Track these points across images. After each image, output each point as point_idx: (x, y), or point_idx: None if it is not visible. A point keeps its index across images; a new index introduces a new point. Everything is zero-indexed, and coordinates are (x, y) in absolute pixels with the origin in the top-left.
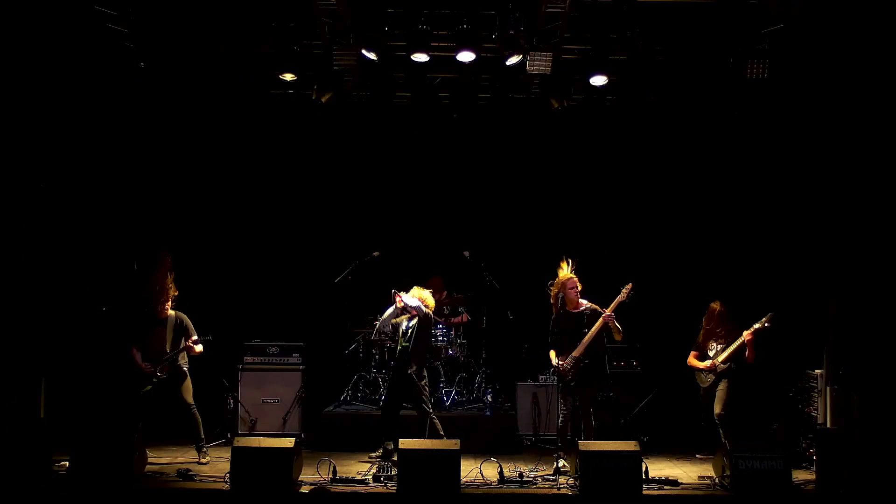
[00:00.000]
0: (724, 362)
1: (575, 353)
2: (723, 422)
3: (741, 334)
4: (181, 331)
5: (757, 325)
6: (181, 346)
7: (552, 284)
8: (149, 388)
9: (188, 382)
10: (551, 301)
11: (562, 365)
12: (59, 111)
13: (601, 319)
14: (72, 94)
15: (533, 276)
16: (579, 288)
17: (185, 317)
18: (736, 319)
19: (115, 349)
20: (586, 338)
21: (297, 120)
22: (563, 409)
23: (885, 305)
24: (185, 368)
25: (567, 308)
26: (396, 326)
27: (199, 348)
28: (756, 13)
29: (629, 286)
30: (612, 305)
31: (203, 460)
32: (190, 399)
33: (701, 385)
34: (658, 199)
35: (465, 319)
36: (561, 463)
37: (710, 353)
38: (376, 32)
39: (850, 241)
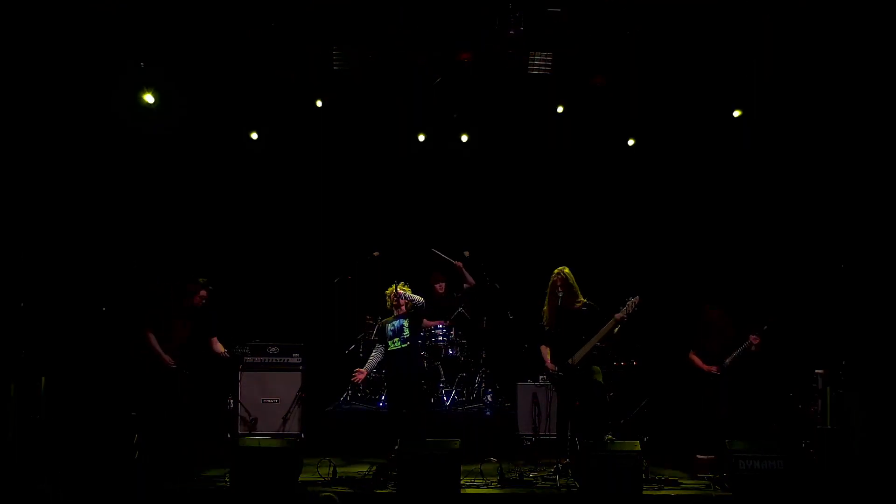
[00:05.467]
0: (728, 364)
1: (571, 361)
2: (727, 420)
3: (742, 338)
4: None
5: (755, 337)
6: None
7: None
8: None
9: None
10: (546, 311)
11: (553, 370)
12: (59, 111)
13: (612, 323)
14: (72, 94)
15: (533, 276)
16: (570, 281)
17: (214, 315)
18: (735, 321)
19: (120, 339)
20: (586, 348)
21: (296, 120)
22: (561, 412)
23: (884, 306)
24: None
25: (564, 305)
26: (382, 330)
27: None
28: (756, 13)
29: (636, 299)
30: (623, 313)
31: None
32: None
33: (702, 383)
34: (657, 199)
35: (471, 283)
36: (561, 462)
37: (710, 354)
38: (376, 32)
39: (849, 240)
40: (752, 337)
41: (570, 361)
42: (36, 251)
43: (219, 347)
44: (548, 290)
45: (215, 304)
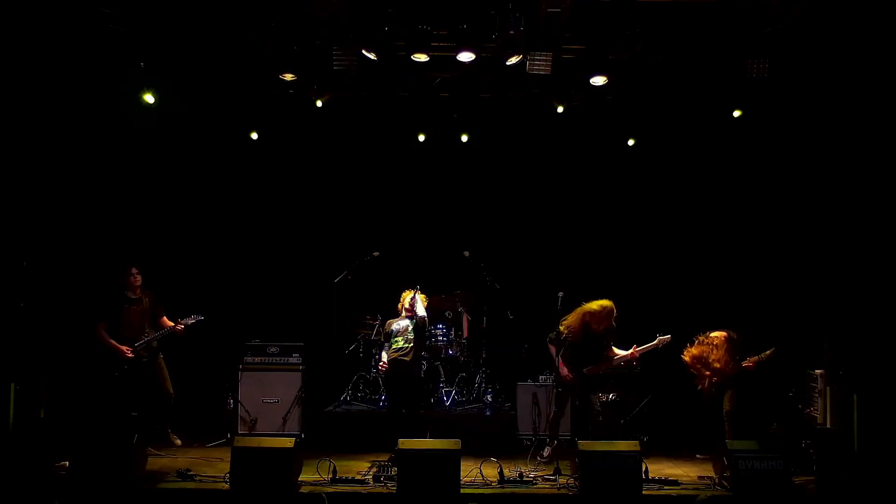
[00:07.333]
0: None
1: (587, 371)
2: (731, 419)
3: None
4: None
5: (757, 357)
6: (163, 329)
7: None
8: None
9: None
10: (572, 327)
11: (569, 378)
12: (59, 112)
13: (627, 355)
14: (72, 94)
15: (533, 276)
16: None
17: (153, 296)
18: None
19: (78, 331)
20: (603, 366)
21: (297, 120)
22: (556, 408)
23: (884, 306)
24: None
25: (592, 328)
26: (387, 328)
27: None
28: (756, 13)
29: (668, 338)
30: (643, 349)
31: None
32: (170, 388)
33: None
34: (657, 199)
35: (466, 323)
36: (546, 451)
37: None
38: (376, 32)
39: (850, 240)
40: (744, 364)
41: (584, 371)
42: (36, 253)
43: (166, 323)
44: (584, 313)
45: (156, 284)
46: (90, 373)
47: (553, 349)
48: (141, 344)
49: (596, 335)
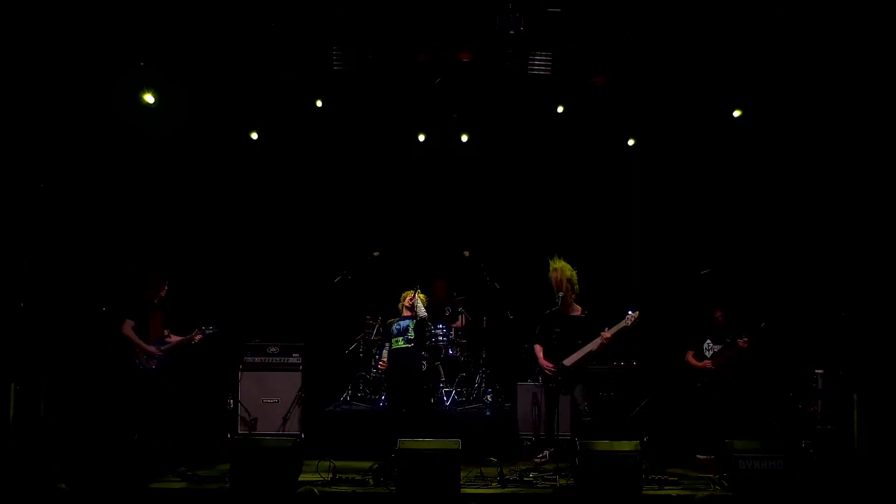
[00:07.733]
0: (719, 363)
1: (566, 363)
2: (730, 418)
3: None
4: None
5: (743, 341)
6: (188, 336)
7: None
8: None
9: None
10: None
11: (550, 370)
12: (59, 112)
13: (599, 340)
14: (72, 94)
15: (533, 276)
16: (575, 288)
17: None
18: (734, 322)
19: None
20: (580, 353)
21: (297, 120)
22: (549, 406)
23: (885, 306)
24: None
25: (561, 309)
26: (387, 328)
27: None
28: (755, 12)
29: (636, 314)
30: (614, 330)
31: None
32: None
33: (700, 382)
34: (656, 197)
35: (463, 322)
36: (546, 451)
37: (707, 354)
38: (376, 32)
39: (850, 241)
40: (739, 341)
41: (564, 363)
42: (36, 253)
43: (173, 339)
44: (563, 280)
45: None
46: (93, 371)
47: (539, 349)
48: (167, 347)
49: (571, 320)
